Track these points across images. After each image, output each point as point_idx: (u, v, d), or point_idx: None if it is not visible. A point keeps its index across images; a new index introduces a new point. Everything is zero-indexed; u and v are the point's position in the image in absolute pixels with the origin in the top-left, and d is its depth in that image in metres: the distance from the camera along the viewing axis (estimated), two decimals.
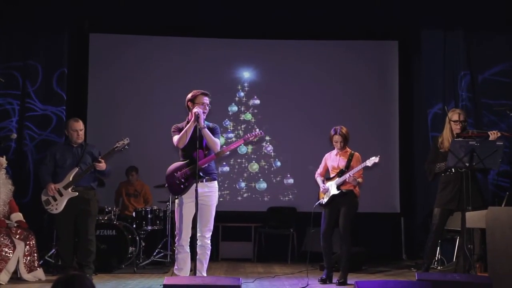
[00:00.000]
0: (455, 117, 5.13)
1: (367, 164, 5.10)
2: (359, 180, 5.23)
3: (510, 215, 4.01)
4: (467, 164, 4.59)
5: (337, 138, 5.30)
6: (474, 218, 4.32)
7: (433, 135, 6.49)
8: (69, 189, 5.23)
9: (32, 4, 6.72)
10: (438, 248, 6.17)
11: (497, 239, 4.03)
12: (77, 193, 5.23)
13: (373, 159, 5.08)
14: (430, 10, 6.82)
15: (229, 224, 7.26)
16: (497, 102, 6.32)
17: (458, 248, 5.70)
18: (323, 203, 5.33)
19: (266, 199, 7.72)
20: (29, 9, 6.70)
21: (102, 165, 5.23)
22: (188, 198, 4.36)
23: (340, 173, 5.25)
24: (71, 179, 5.24)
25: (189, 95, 4.48)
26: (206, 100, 4.45)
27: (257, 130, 4.60)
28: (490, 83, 6.44)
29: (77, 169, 5.27)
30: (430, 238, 5.22)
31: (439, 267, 6.23)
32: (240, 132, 7.81)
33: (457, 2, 6.49)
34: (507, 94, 6.28)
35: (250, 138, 4.50)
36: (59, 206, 5.22)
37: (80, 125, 5.39)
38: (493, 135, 4.88)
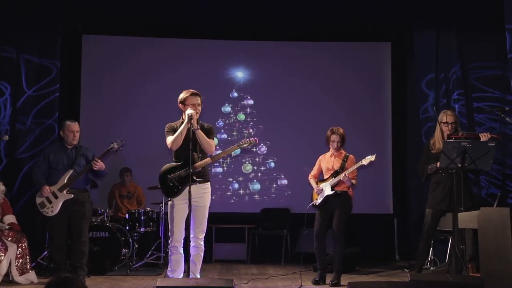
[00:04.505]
0: (445, 118, 5.16)
1: (363, 163, 5.12)
2: (353, 181, 5.24)
3: (502, 216, 4.04)
4: (459, 165, 4.61)
5: (334, 137, 5.31)
6: (466, 218, 4.35)
7: (428, 124, 6.51)
8: (64, 191, 5.20)
9: (26, 2, 6.68)
10: (431, 249, 6.19)
11: (489, 239, 4.06)
12: (73, 195, 5.20)
13: (369, 158, 5.10)
14: (423, 11, 6.85)
15: (222, 225, 7.25)
16: (489, 91, 6.36)
17: (450, 248, 5.72)
18: (317, 204, 5.34)
19: (259, 200, 7.72)
20: (23, 7, 6.64)
21: (100, 165, 5.20)
22: (180, 200, 4.34)
23: (335, 174, 5.26)
24: (65, 181, 5.20)
25: (180, 96, 4.45)
26: (197, 100, 4.40)
27: (253, 138, 4.58)
28: (481, 77, 6.47)
29: (72, 171, 5.24)
30: (422, 238, 5.24)
31: (431, 268, 6.25)
32: (234, 132, 7.81)
33: (450, 2, 6.52)
34: (498, 86, 6.31)
35: (245, 145, 4.48)
36: (54, 208, 5.18)
37: (76, 126, 5.37)
38: (483, 137, 4.91)
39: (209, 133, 4.45)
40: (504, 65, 5.94)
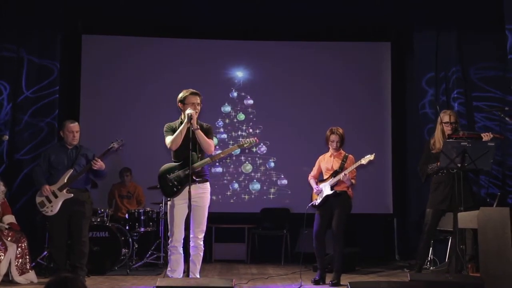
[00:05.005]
0: (446, 118, 5.16)
1: (362, 162, 5.12)
2: (353, 181, 5.24)
3: (502, 215, 4.04)
4: (459, 165, 4.61)
5: (333, 137, 5.31)
6: (466, 218, 4.35)
7: (429, 126, 6.50)
8: (64, 191, 5.19)
9: (26, 2, 6.67)
10: (431, 248, 6.19)
11: (489, 239, 4.06)
12: (72, 195, 5.20)
13: (368, 157, 5.11)
14: (423, 11, 6.86)
15: (222, 225, 7.26)
16: (488, 94, 6.36)
17: (450, 248, 5.72)
18: (316, 204, 5.34)
19: (259, 200, 7.72)
20: (23, 7, 6.63)
21: (100, 164, 5.20)
22: (180, 200, 4.34)
23: (334, 174, 5.26)
24: (66, 181, 5.20)
25: (179, 95, 4.45)
26: (196, 100, 4.40)
27: (253, 138, 4.57)
28: (481, 77, 6.47)
29: (72, 170, 5.24)
30: (422, 238, 5.24)
31: (431, 268, 6.25)
32: (233, 133, 7.81)
33: (450, 2, 6.52)
34: (498, 86, 6.31)
35: (244, 145, 4.47)
36: (54, 208, 5.18)
37: (76, 126, 5.36)
38: (486, 137, 4.91)
39: (208, 133, 4.44)
40: (504, 65, 5.94)
